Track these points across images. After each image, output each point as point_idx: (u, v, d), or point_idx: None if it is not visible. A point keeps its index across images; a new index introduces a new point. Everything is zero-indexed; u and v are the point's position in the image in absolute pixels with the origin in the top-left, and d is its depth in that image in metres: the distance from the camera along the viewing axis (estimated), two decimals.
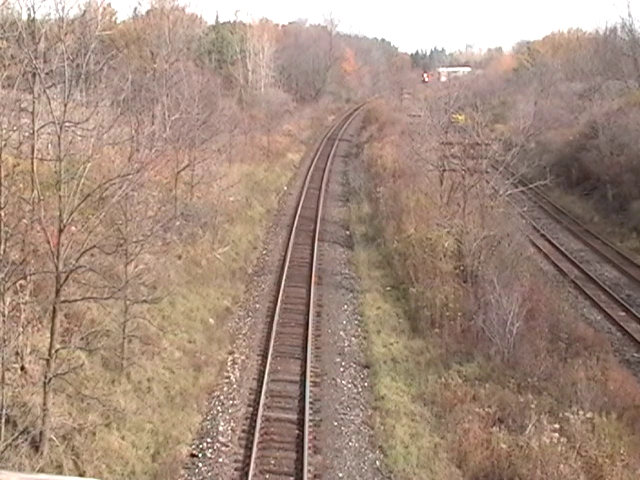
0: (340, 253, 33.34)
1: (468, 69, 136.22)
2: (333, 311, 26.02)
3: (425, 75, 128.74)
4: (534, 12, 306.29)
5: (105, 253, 19.03)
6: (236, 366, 21.44)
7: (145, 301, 19.62)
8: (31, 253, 18.33)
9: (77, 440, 15.53)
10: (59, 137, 15.89)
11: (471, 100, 41.48)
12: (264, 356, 21.80)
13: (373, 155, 53.55)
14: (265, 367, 20.90)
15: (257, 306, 26.33)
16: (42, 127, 19.74)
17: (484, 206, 28.98)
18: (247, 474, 15.94)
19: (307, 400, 19.07)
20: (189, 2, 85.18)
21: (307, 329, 23.66)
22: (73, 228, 17.01)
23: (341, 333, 24.16)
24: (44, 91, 17.94)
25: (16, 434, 14.55)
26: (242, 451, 17.07)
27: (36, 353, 16.96)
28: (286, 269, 29.72)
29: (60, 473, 14.42)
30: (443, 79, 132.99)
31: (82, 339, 17.54)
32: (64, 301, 16.42)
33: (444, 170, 32.91)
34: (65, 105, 16.17)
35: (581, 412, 17.58)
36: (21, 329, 16.32)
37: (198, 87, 36.13)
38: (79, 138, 19.83)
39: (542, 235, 36.93)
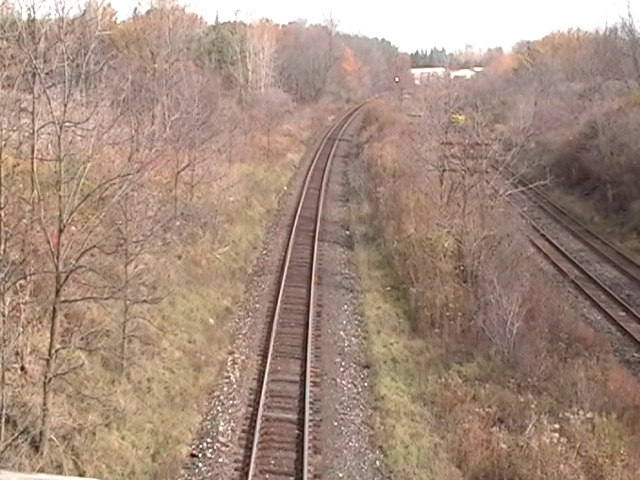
0: (340, 253, 33.34)
1: (442, 69, 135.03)
2: (333, 311, 26.01)
3: (397, 79, 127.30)
4: (534, 12, 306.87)
5: (105, 253, 19.03)
6: (236, 366, 21.44)
7: (145, 301, 19.61)
8: (31, 253, 18.33)
9: (77, 440, 15.52)
10: (59, 137, 15.88)
11: (471, 100, 41.49)
12: (264, 356, 21.80)
13: (373, 155, 53.55)
14: (265, 367, 20.89)
15: (257, 306, 26.33)
16: (42, 127, 19.75)
17: (484, 206, 28.97)
18: (247, 474, 15.93)
19: (307, 400, 19.06)
20: (189, 2, 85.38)
21: (307, 329, 23.65)
22: (73, 228, 17.01)
23: (341, 333, 24.16)
24: (44, 91, 17.93)
25: (16, 434, 14.55)
26: (242, 451, 17.07)
27: (36, 353, 16.96)
28: (286, 269, 29.72)
29: (60, 473, 14.42)
30: (417, 82, 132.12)
31: (82, 339, 17.53)
32: (64, 301, 16.42)
33: (444, 170, 32.90)
34: (65, 105, 16.16)
35: (581, 412, 17.58)
36: (21, 329, 16.31)
37: (198, 87, 36.10)
38: (79, 138, 19.84)
39: (542, 235, 36.93)
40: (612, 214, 39.92)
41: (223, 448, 17.19)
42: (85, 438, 15.66)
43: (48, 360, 15.33)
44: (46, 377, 15.06)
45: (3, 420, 14.30)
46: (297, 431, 17.83)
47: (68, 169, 17.01)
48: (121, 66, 40.05)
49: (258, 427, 17.72)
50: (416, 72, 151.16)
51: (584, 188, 46.03)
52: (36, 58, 18.00)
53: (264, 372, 20.59)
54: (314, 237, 34.76)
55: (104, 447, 15.77)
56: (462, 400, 18.99)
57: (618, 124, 43.87)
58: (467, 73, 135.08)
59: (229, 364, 21.54)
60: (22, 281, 17.06)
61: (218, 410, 18.94)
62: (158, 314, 22.24)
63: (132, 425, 16.92)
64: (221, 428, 18.05)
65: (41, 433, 14.83)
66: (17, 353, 16.47)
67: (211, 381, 20.25)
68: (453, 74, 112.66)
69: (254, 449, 16.78)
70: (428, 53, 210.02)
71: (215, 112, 38.79)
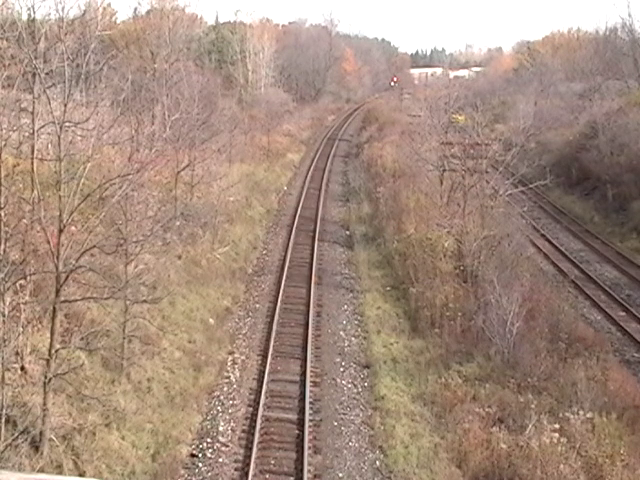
0: (340, 253, 33.34)
1: (440, 69, 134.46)
2: (333, 311, 26.01)
3: (395, 78, 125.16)
4: (534, 12, 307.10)
5: (105, 253, 19.03)
6: (236, 366, 21.44)
7: (145, 301, 19.61)
8: (31, 253, 18.33)
9: (77, 440, 15.52)
10: (59, 137, 15.88)
11: (471, 100, 41.49)
12: (264, 356, 21.80)
13: (373, 155, 53.55)
14: (265, 367, 20.89)
15: (257, 306, 26.33)
16: (42, 127, 19.74)
17: (484, 206, 28.96)
18: (247, 474, 15.93)
19: (307, 400, 19.06)
20: (189, 2, 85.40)
21: (307, 329, 23.65)
22: (73, 228, 17.01)
23: (341, 333, 24.16)
24: (44, 91, 17.93)
25: (16, 434, 14.55)
26: (242, 451, 17.07)
27: (36, 353, 16.95)
28: (286, 269, 29.72)
29: (60, 473, 14.42)
30: (415, 82, 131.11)
31: (82, 339, 17.53)
32: (64, 301, 16.42)
33: (444, 170, 32.89)
34: (65, 105, 16.16)
35: (581, 412, 17.57)
36: (21, 329, 16.31)
37: (198, 87, 36.10)
38: (79, 138, 19.83)
39: (542, 235, 36.92)
40: (612, 214, 39.90)
41: (223, 448, 17.19)
42: (85, 438, 15.66)
43: (48, 360, 15.33)
44: (46, 377, 15.06)
45: (3, 420, 14.30)
46: (297, 431, 17.83)
47: (68, 169, 16.99)
48: (121, 66, 40.09)
49: (258, 427, 17.72)
50: (414, 72, 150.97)
51: (584, 188, 46.01)
52: (36, 58, 18.00)
53: (264, 372, 20.59)
54: (314, 237, 34.76)
55: (104, 447, 15.77)
56: (462, 400, 18.99)
57: (618, 124, 43.86)
58: (465, 73, 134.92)
59: (229, 364, 21.54)
60: (22, 281, 17.06)
61: (218, 410, 18.94)
62: (158, 314, 22.24)
63: (132, 425, 16.92)
64: (221, 428, 18.05)
65: (41, 433, 14.83)
66: (17, 353, 16.47)
67: (211, 381, 20.25)
68: (451, 74, 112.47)
69: (254, 449, 16.78)
70: (428, 53, 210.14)
71: (215, 112, 38.81)
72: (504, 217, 30.55)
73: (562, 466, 15.66)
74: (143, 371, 19.24)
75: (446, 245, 28.99)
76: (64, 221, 15.25)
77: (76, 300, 17.69)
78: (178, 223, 28.98)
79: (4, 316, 15.04)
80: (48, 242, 15.74)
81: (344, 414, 18.94)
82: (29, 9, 20.42)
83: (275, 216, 39.77)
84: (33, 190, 17.46)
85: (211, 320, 24.12)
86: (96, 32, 30.23)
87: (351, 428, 18.31)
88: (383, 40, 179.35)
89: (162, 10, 49.48)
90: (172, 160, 30.52)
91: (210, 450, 17.10)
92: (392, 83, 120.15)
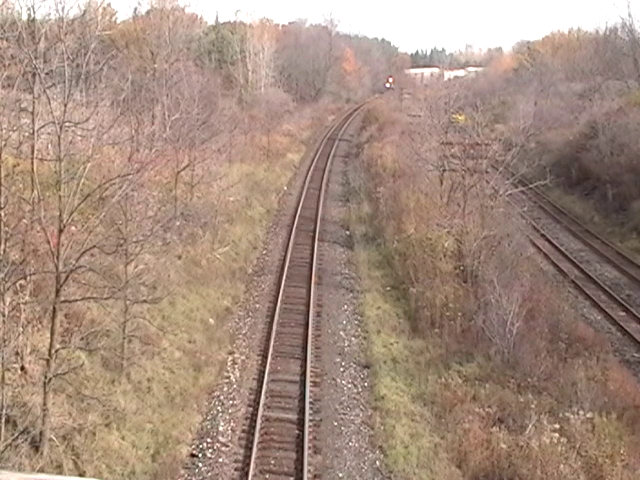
0: (340, 253, 33.34)
1: (437, 69, 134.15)
2: (333, 311, 26.01)
3: (390, 79, 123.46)
4: (534, 12, 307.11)
5: (105, 253, 19.03)
6: (236, 366, 21.44)
7: (145, 301, 19.61)
8: (31, 253, 18.32)
9: (77, 440, 15.52)
10: (59, 137, 15.88)
11: (471, 100, 41.50)
12: (264, 356, 21.80)
13: (373, 155, 53.55)
14: (265, 367, 20.89)
15: (257, 306, 26.33)
16: (42, 127, 19.76)
17: (484, 206, 28.95)
18: (247, 474, 15.94)
19: (307, 400, 19.06)
20: (189, 2, 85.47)
21: (307, 329, 23.65)
22: (73, 228, 17.01)
23: (341, 333, 24.16)
24: (44, 91, 17.94)
25: (16, 434, 14.55)
26: (242, 451, 17.07)
27: (36, 353, 16.95)
28: (286, 269, 29.72)
29: (60, 473, 14.42)
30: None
31: (82, 339, 17.53)
32: (64, 301, 16.41)
33: (444, 170, 32.89)
34: (65, 105, 16.16)
35: (581, 412, 17.58)
36: (21, 329, 16.31)
37: (198, 87, 36.11)
38: (79, 138, 19.83)
39: (542, 235, 36.93)
40: (612, 214, 39.91)
41: (223, 448, 17.19)
42: (85, 438, 15.66)
43: (48, 360, 15.33)
44: (46, 377, 15.06)
45: (3, 420, 14.30)
46: (297, 431, 17.84)
47: (68, 169, 16.98)
48: (121, 66, 40.07)
49: (258, 427, 17.72)
50: (412, 72, 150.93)
51: (584, 188, 46.02)
52: (36, 58, 18.01)
53: (264, 372, 20.59)
54: (314, 237, 34.76)
55: (104, 447, 15.77)
56: (462, 400, 18.99)
57: (618, 124, 43.86)
58: (462, 73, 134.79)
59: (229, 364, 21.54)
60: (22, 281, 17.05)
61: (218, 410, 18.94)
62: (158, 314, 22.24)
63: (132, 425, 16.91)
64: (221, 428, 18.05)
65: (41, 433, 14.83)
66: (17, 353, 16.47)
67: (211, 381, 20.25)
68: (449, 74, 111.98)
69: (254, 449, 16.78)
70: (428, 53, 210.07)
71: (215, 112, 38.82)
72: (504, 217, 30.55)
73: (562, 466, 15.67)
74: (143, 371, 19.24)
75: (446, 245, 28.99)
76: (64, 221, 15.25)
77: (76, 300, 17.69)
78: (178, 223, 28.98)
79: (4, 316, 15.04)
80: (48, 242, 15.74)
81: (344, 414, 18.94)
82: (29, 9, 20.47)
83: (275, 216, 39.77)
84: (33, 190, 17.45)
85: (211, 320, 24.13)
86: (96, 32, 30.24)
87: (351, 428, 18.31)
88: (383, 40, 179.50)
89: (162, 10, 49.44)
90: (172, 160, 30.52)
91: (210, 450, 17.10)
92: (387, 84, 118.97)
